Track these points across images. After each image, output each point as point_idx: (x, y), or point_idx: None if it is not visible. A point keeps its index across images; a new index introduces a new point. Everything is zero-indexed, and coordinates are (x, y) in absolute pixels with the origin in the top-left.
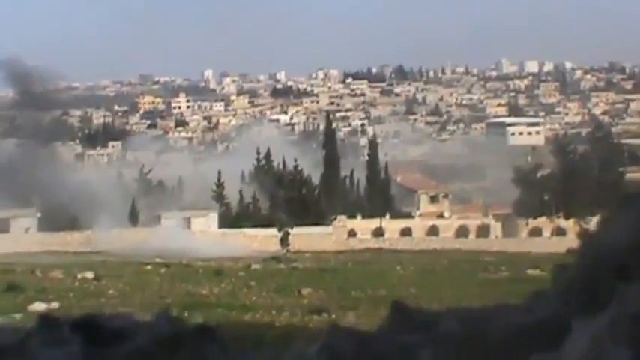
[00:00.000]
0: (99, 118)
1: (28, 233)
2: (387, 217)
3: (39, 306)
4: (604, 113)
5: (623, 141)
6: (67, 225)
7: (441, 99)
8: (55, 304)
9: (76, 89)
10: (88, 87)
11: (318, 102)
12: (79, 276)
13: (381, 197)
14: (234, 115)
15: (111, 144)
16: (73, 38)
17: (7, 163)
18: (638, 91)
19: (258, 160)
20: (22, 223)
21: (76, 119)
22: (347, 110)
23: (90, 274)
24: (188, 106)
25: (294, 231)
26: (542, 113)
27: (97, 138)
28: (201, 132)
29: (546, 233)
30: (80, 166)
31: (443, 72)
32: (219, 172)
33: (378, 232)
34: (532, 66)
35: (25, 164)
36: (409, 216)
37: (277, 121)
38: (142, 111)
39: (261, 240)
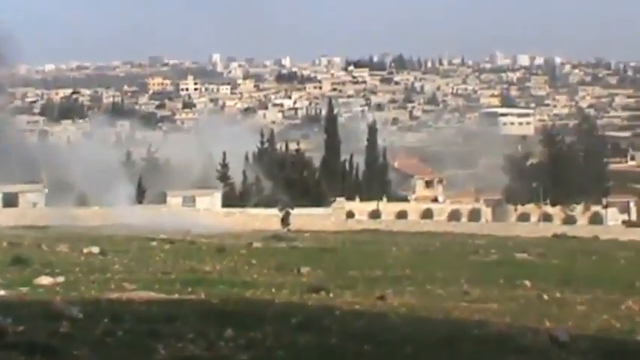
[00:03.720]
0: (109, 97)
1: (35, 208)
2: (384, 200)
3: (45, 279)
4: (590, 106)
5: (607, 133)
6: (74, 201)
7: (438, 89)
8: (60, 279)
9: (86, 69)
10: (98, 67)
11: (321, 88)
12: (85, 251)
13: (378, 181)
14: (239, 99)
15: (119, 123)
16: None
17: (16, 139)
18: (623, 87)
19: (262, 142)
20: (30, 198)
21: (86, 98)
22: (348, 97)
23: (96, 249)
24: (196, 89)
25: (295, 211)
26: (532, 105)
27: (106, 117)
28: (207, 114)
29: (534, 218)
30: (89, 143)
31: (440, 62)
32: (224, 153)
33: (375, 214)
34: (524, 60)
35: (34, 140)
36: (405, 199)
37: (281, 105)
38: (150, 92)
39: (263, 219)
